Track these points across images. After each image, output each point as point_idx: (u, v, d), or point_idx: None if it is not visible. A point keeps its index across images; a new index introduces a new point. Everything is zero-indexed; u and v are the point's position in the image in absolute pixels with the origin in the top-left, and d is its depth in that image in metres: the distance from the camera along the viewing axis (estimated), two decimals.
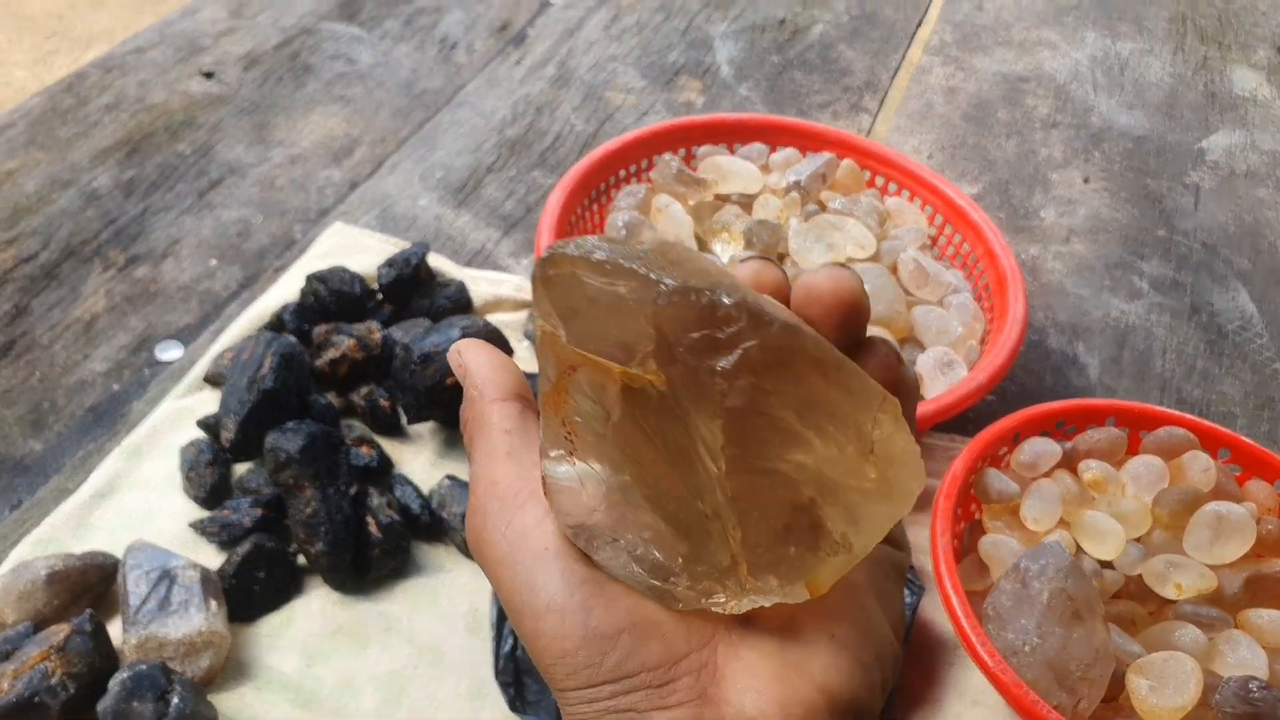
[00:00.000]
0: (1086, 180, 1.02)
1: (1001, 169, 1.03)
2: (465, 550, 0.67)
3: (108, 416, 0.74)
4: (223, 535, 0.65)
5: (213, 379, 0.75)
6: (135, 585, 0.59)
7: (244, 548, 0.63)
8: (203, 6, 1.16)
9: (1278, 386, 0.83)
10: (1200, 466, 0.66)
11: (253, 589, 0.63)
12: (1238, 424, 0.80)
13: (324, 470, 0.64)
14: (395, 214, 0.92)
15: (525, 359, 0.78)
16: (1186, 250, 0.95)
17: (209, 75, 1.06)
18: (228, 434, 0.68)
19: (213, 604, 0.60)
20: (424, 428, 0.73)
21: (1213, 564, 0.62)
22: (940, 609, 0.64)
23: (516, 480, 0.32)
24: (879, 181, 0.86)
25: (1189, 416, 0.69)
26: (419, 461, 0.72)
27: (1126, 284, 0.91)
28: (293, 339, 0.73)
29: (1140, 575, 0.62)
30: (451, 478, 0.68)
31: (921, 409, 0.66)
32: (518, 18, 1.19)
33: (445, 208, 0.93)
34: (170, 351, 0.80)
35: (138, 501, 0.68)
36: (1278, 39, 1.23)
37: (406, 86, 1.08)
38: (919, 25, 1.23)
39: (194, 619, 0.58)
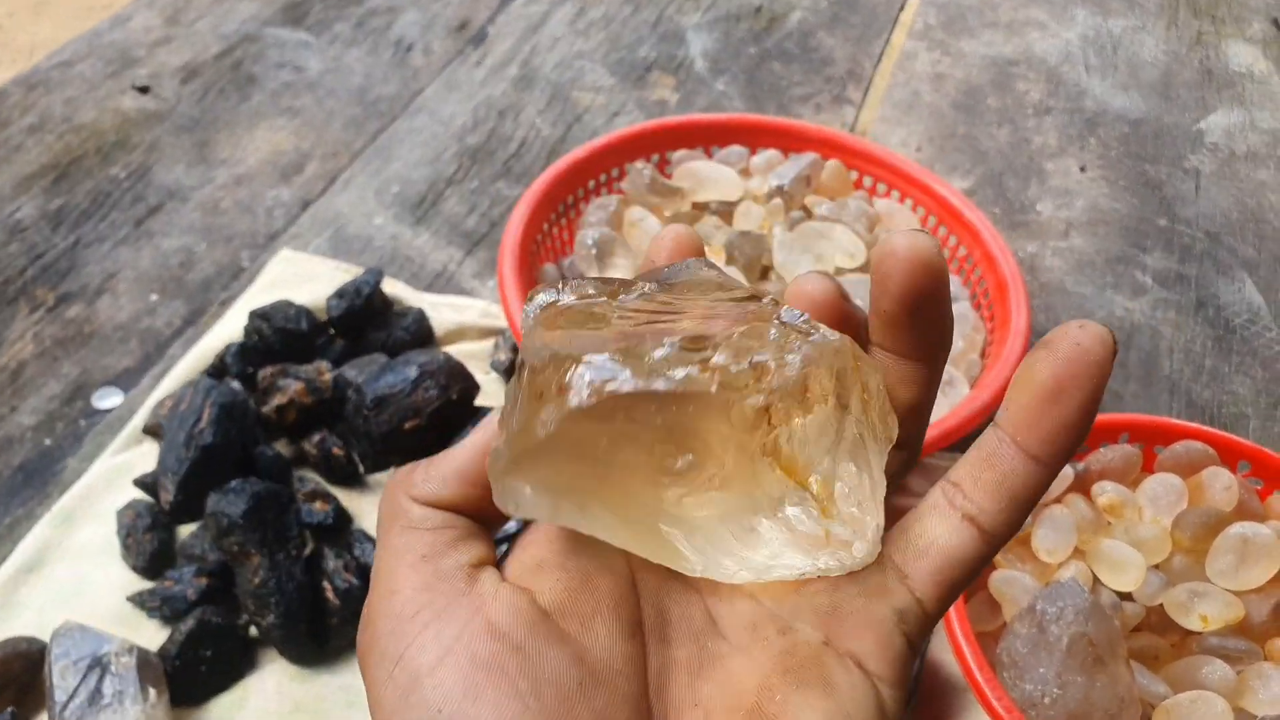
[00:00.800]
0: (1083, 169, 0.96)
1: (994, 160, 0.97)
2: None
3: (38, 476, 0.68)
4: (164, 610, 0.59)
5: (152, 430, 0.69)
6: (62, 678, 0.53)
7: (187, 624, 0.57)
8: (135, 13, 1.09)
9: None
10: (1222, 485, 0.61)
11: (199, 669, 0.57)
12: (1250, 425, 0.76)
13: (272, 534, 0.59)
14: (349, 235, 0.86)
15: (492, 392, 0.72)
16: (1189, 240, 0.90)
17: (144, 89, 0.99)
18: (167, 495, 0.62)
19: (151, 693, 0.54)
20: (384, 475, 0.68)
21: (1238, 590, 0.58)
22: (950, 648, 0.59)
23: (422, 592, 0.27)
24: (867, 182, 0.81)
25: (1205, 428, 0.64)
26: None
27: (1129, 279, 0.86)
28: (235, 386, 0.68)
29: (1161, 605, 0.58)
30: None
31: None
32: (477, 15, 1.12)
33: (402, 226, 0.87)
34: (109, 399, 0.74)
35: (70, 574, 0.62)
36: (1272, 10, 1.18)
37: (359, 94, 1.01)
38: (901, 8, 1.17)
39: (129, 713, 0.53)
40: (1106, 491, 0.62)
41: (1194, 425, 0.65)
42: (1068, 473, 0.63)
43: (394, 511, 0.29)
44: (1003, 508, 0.26)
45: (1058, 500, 0.62)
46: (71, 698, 0.53)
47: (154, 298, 0.80)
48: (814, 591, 0.27)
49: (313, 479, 0.66)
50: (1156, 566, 0.60)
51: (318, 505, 0.64)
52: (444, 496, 0.28)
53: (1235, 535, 0.58)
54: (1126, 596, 0.59)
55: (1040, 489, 0.26)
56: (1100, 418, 0.65)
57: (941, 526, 0.27)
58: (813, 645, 0.27)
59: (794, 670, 0.26)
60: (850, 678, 0.26)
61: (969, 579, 0.27)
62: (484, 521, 0.29)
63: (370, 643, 0.27)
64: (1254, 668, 0.55)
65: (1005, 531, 0.27)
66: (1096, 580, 0.59)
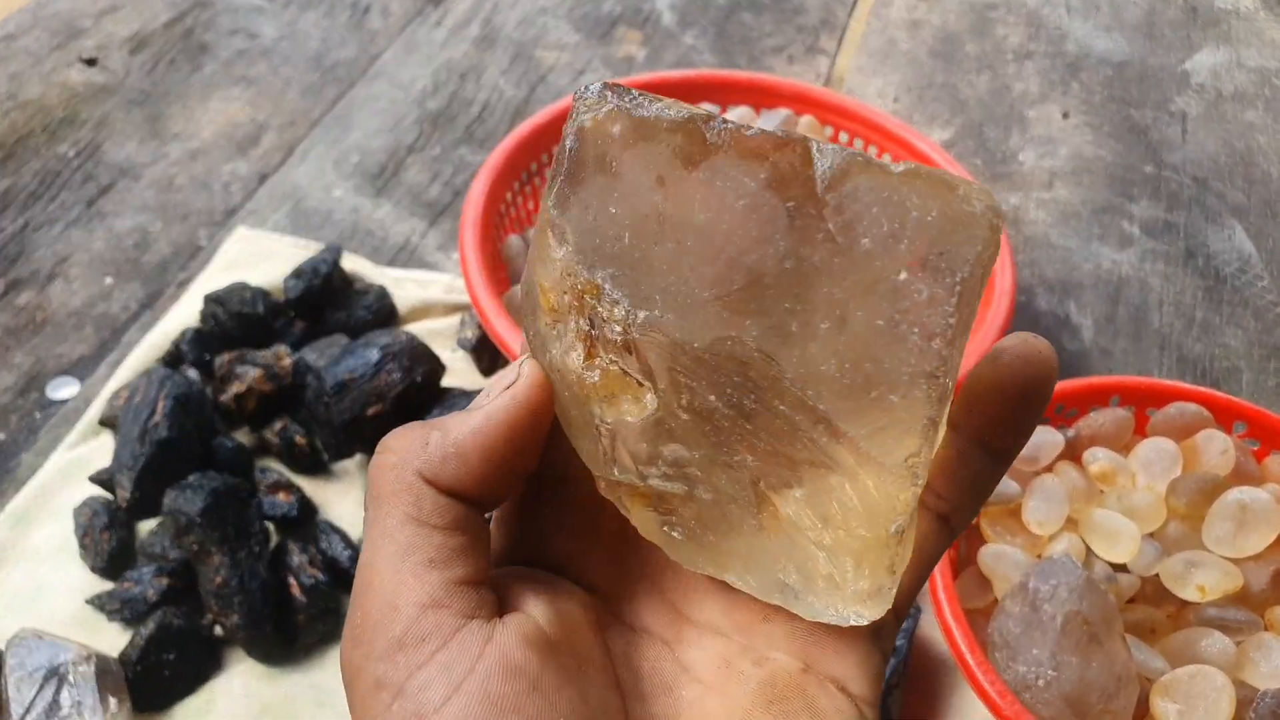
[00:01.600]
0: (1066, 115, 0.93)
1: (974, 109, 0.94)
2: None
3: None
4: (125, 612, 0.57)
5: (109, 422, 0.66)
6: (18, 690, 0.51)
7: (148, 627, 0.55)
8: None
9: None
10: (1217, 448, 0.60)
11: (162, 673, 0.55)
12: (1243, 379, 0.74)
13: (233, 531, 0.56)
14: (308, 209, 0.82)
15: (459, 371, 0.70)
16: (1177, 186, 0.87)
17: (91, 62, 0.95)
18: (124, 492, 0.59)
19: (111, 702, 0.52)
20: (350, 462, 0.65)
21: (1236, 558, 0.56)
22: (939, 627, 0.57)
23: (429, 612, 0.23)
24: (843, 137, 0.78)
25: (1199, 389, 0.62)
26: (346, 502, 0.64)
27: (1116, 230, 0.84)
28: (191, 375, 0.65)
29: (1157, 576, 0.56)
30: None
31: None
32: None
33: (363, 197, 0.83)
34: (64, 389, 0.71)
35: (26, 577, 0.60)
36: None
37: (316, 60, 0.97)
38: None
39: None
40: (1098, 459, 0.60)
41: (1187, 385, 0.63)
42: (1058, 439, 0.61)
43: (397, 490, 0.25)
44: (969, 502, 0.27)
45: (1048, 469, 0.60)
46: (28, 711, 0.51)
47: (109, 281, 0.77)
48: (784, 619, 0.26)
49: (275, 469, 0.64)
50: (1151, 535, 0.58)
51: (281, 497, 0.61)
52: (466, 484, 0.25)
53: (1233, 501, 0.56)
54: (1121, 568, 0.57)
55: (997, 481, 0.27)
56: (1090, 380, 0.63)
57: (920, 528, 0.26)
58: (792, 673, 0.26)
59: (777, 701, 0.25)
60: (835, 703, 0.25)
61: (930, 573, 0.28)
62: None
63: (362, 664, 0.23)
64: (1254, 638, 0.53)
65: (967, 523, 0.28)
66: (1089, 552, 0.57)
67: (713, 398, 0.24)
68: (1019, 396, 0.25)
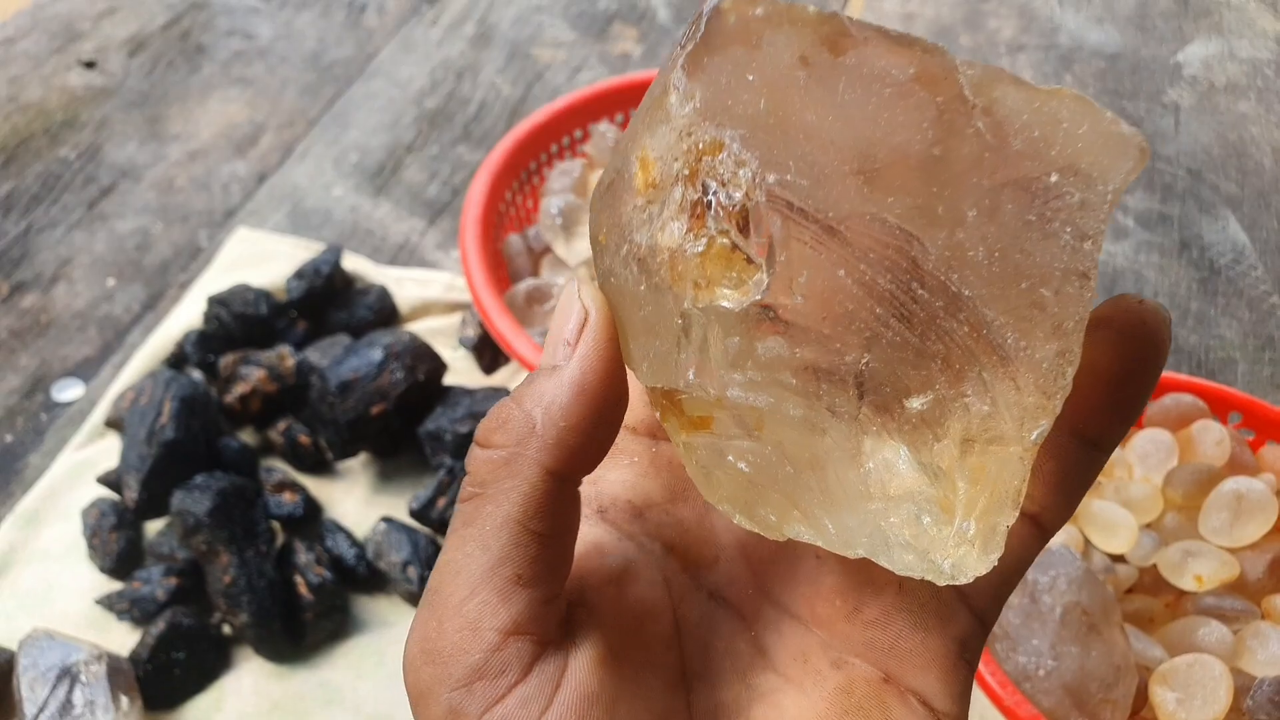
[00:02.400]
0: None
1: None
2: (410, 600, 0.60)
3: (0, 474, 0.66)
4: (134, 611, 0.58)
5: (115, 423, 0.67)
6: (31, 690, 0.52)
7: (158, 627, 0.56)
8: None
9: (1277, 323, 0.77)
10: (1213, 439, 0.60)
11: (172, 672, 0.56)
12: (1238, 370, 0.74)
13: (240, 531, 0.57)
14: (307, 208, 0.83)
15: (461, 369, 0.70)
16: (1171, 178, 0.88)
17: (90, 65, 0.95)
18: (131, 493, 0.60)
19: (123, 700, 0.53)
20: (354, 461, 0.66)
21: (1233, 547, 0.57)
22: None
23: (511, 639, 0.22)
24: None
25: (1194, 379, 0.63)
26: (351, 500, 0.64)
27: (1111, 222, 0.84)
28: (195, 377, 0.65)
29: (1155, 566, 0.57)
30: (388, 520, 0.61)
31: None
32: None
33: (362, 197, 0.84)
34: (69, 390, 0.71)
35: (36, 578, 0.60)
36: None
37: (313, 59, 0.98)
38: None
39: None
40: None
41: (1182, 376, 0.63)
42: None
43: (507, 489, 0.22)
44: (1063, 500, 0.24)
45: None
46: (41, 710, 0.51)
47: (111, 283, 0.78)
48: (867, 622, 0.25)
49: (280, 469, 0.64)
50: (1149, 526, 0.59)
51: (286, 496, 0.62)
52: (577, 463, 0.23)
53: (1228, 491, 0.57)
54: (1119, 558, 0.58)
55: (1096, 475, 0.24)
56: None
57: None
58: (871, 682, 0.24)
59: (853, 712, 0.24)
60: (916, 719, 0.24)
61: (1016, 585, 0.25)
62: None
63: (434, 686, 0.22)
64: (1251, 627, 0.54)
65: (1061, 524, 0.24)
66: (1088, 543, 0.58)
67: (842, 273, 0.21)
68: (1123, 376, 0.22)
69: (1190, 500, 0.59)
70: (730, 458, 0.23)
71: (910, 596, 0.24)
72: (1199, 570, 0.56)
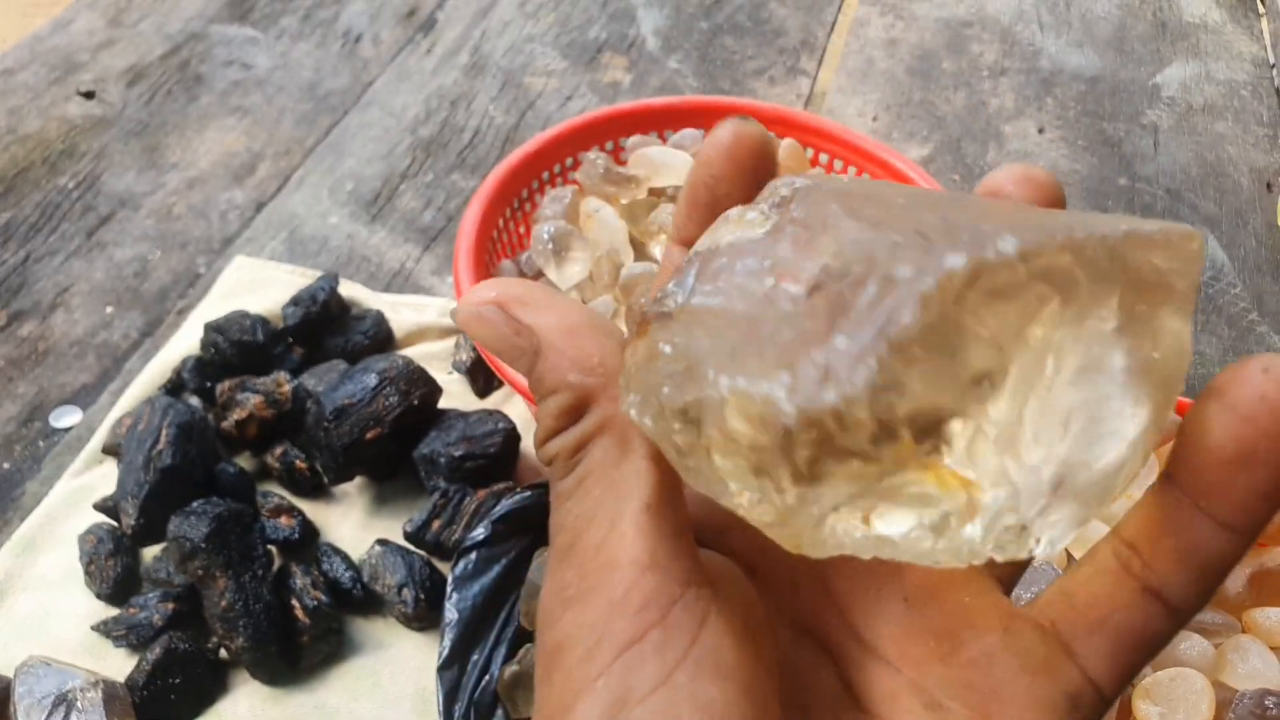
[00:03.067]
0: (1041, 130, 0.96)
1: (952, 125, 0.96)
2: (406, 622, 0.61)
3: None
4: (131, 638, 0.59)
5: (112, 450, 0.68)
6: (27, 717, 0.53)
7: (154, 652, 0.56)
8: (76, 16, 1.06)
9: (1256, 340, 0.79)
10: None
11: (169, 697, 0.56)
12: None
13: (236, 556, 0.58)
14: (304, 236, 0.84)
15: (455, 394, 0.72)
16: (1150, 198, 0.90)
17: (89, 95, 0.97)
18: (128, 519, 0.61)
19: None
20: (350, 485, 0.67)
21: None
22: None
23: (649, 571, 0.21)
24: (823, 159, 0.80)
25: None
26: (347, 524, 0.65)
27: None
28: (192, 404, 0.66)
29: None
30: (383, 542, 0.62)
31: None
32: (425, 1, 1.10)
33: (358, 224, 0.85)
34: (67, 418, 0.72)
35: (33, 605, 0.61)
36: None
37: (309, 89, 0.99)
38: None
39: None
40: None
41: None
42: None
43: (613, 414, 0.22)
44: (1192, 581, 0.21)
45: None
46: None
47: (109, 310, 0.79)
48: (964, 663, 0.23)
49: (277, 493, 0.65)
50: None
51: (283, 520, 0.63)
52: None
53: None
54: None
55: (1235, 560, 0.21)
56: None
57: (1119, 597, 0.22)
58: None
59: None
60: None
61: (1151, 658, 0.22)
62: None
63: (573, 631, 0.21)
64: (1231, 641, 0.55)
65: (1196, 607, 0.22)
66: (1070, 557, 0.59)
67: None
68: (1232, 456, 0.19)
69: None
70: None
71: (1015, 639, 0.23)
72: None
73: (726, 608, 0.22)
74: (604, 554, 0.21)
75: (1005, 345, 0.19)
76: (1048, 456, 0.19)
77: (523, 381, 0.60)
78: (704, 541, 0.25)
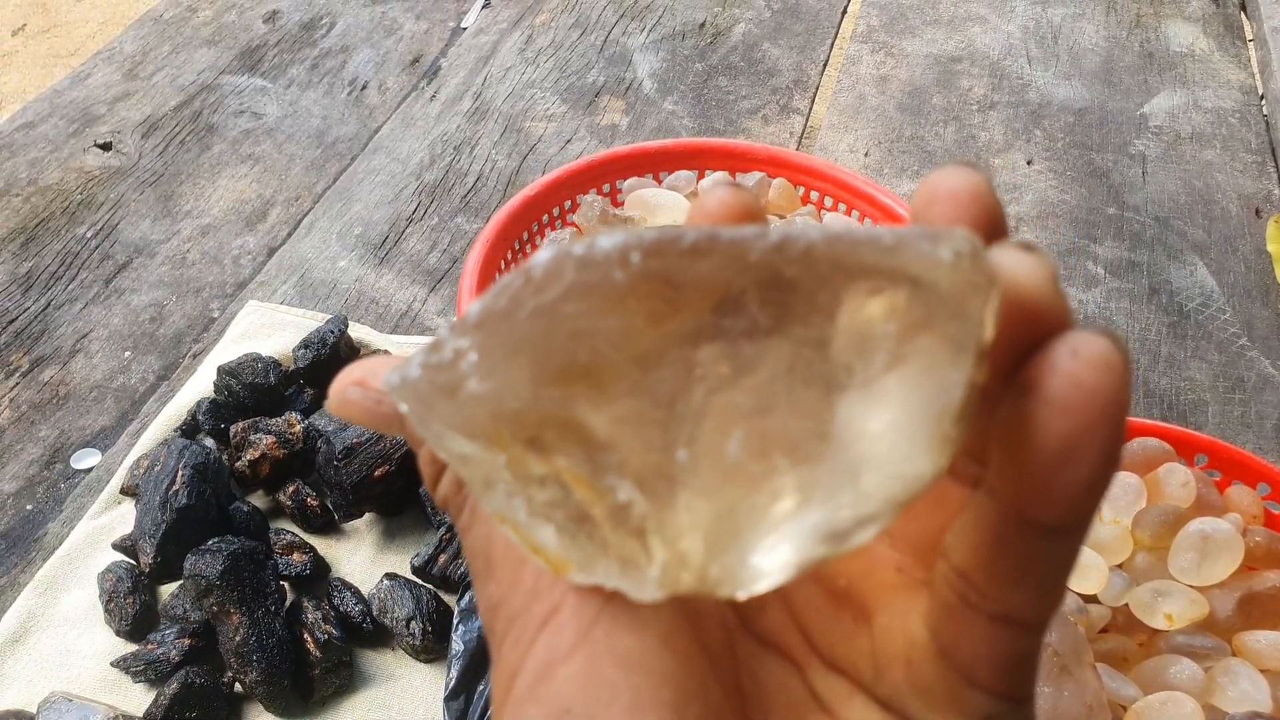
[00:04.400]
0: (1030, 162, 0.98)
1: (942, 159, 0.99)
2: (414, 654, 0.63)
3: (21, 542, 0.69)
4: (149, 673, 0.61)
5: (130, 490, 0.70)
6: None
7: (171, 687, 0.58)
8: (94, 70, 1.10)
9: (1246, 364, 0.80)
10: (1179, 480, 0.63)
11: None
12: (1209, 411, 0.77)
13: (250, 592, 0.60)
14: (314, 280, 0.87)
15: None
16: (1139, 227, 0.92)
17: (106, 146, 1.00)
18: (146, 558, 0.63)
19: None
20: (360, 521, 0.69)
21: (1202, 585, 0.59)
22: None
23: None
24: (815, 196, 0.82)
25: (1161, 424, 0.66)
26: (357, 559, 0.68)
27: (1081, 270, 0.88)
28: (207, 445, 0.69)
29: (1127, 606, 0.59)
30: (391, 577, 0.64)
31: None
32: (429, 49, 1.14)
33: (366, 268, 0.88)
34: (87, 459, 0.75)
35: (55, 643, 0.63)
36: None
37: (318, 136, 1.02)
38: (844, 12, 1.18)
39: None
40: None
41: (1149, 422, 0.66)
42: None
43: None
44: (1038, 596, 0.20)
45: None
46: None
47: (127, 355, 0.82)
48: (883, 698, 0.23)
49: (290, 530, 0.68)
50: (1120, 566, 0.61)
51: (296, 557, 0.65)
52: None
53: (1195, 532, 0.59)
54: (1091, 599, 0.60)
55: (1075, 556, 0.20)
56: None
57: (976, 633, 0.21)
58: None
59: None
60: None
61: (1037, 664, 0.21)
62: None
63: (511, 620, 0.23)
64: (1221, 664, 0.55)
65: (1050, 612, 0.20)
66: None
67: None
68: (1054, 455, 0.18)
69: (1159, 541, 0.61)
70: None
71: (917, 674, 0.22)
72: (1169, 609, 0.58)
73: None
74: (511, 557, 0.23)
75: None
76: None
77: None
78: None
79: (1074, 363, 0.17)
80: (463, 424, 0.20)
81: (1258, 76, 1.07)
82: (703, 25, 1.16)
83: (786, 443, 0.19)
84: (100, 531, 0.69)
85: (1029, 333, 0.19)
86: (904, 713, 0.22)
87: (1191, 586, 0.58)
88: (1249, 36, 1.13)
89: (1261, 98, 1.04)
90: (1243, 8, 1.16)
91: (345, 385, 0.26)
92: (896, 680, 0.22)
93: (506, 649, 0.23)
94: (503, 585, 0.23)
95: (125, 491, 0.71)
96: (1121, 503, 0.63)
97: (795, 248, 0.19)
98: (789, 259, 0.19)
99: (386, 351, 0.77)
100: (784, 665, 0.24)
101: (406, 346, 0.79)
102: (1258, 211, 0.93)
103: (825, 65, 1.10)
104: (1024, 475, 0.18)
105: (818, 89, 1.07)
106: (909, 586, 0.23)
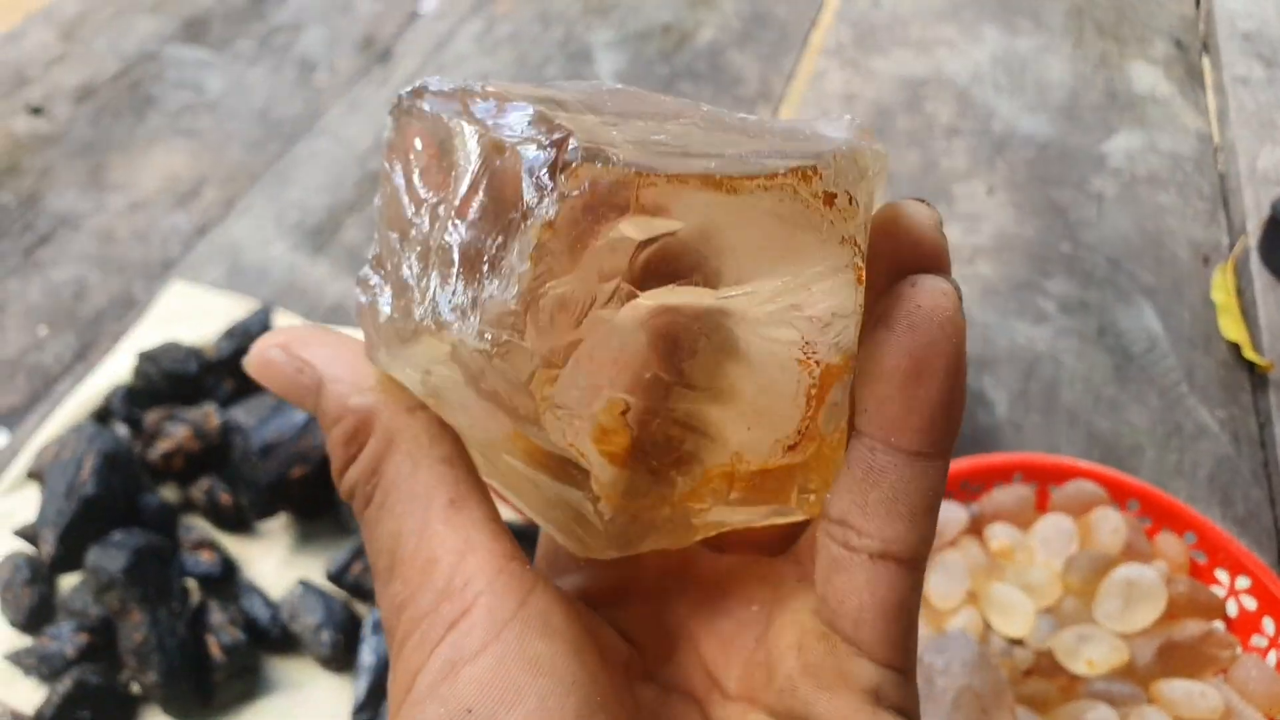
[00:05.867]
0: (990, 192, 0.97)
1: (904, 185, 0.97)
2: (322, 663, 0.60)
3: None
4: (42, 668, 0.58)
5: (37, 474, 0.67)
6: None
7: (64, 685, 0.56)
8: (29, 30, 1.06)
9: (1184, 412, 0.80)
10: (1110, 526, 0.62)
11: None
12: (1146, 456, 0.77)
13: (154, 590, 0.57)
14: (245, 265, 0.84)
15: None
16: (1091, 266, 0.91)
17: (37, 111, 0.96)
18: (47, 547, 0.60)
19: None
20: (274, 522, 0.66)
21: (1125, 632, 0.59)
22: None
23: (467, 554, 0.22)
24: None
25: (1096, 468, 0.65)
26: (269, 562, 0.65)
27: (1033, 307, 0.87)
28: (119, 433, 0.66)
29: (1051, 649, 0.59)
30: (304, 584, 0.61)
31: None
32: (383, 31, 1.11)
33: (300, 255, 0.85)
34: None
35: None
36: (1175, 31, 1.20)
37: (261, 115, 0.99)
38: (813, 25, 1.17)
39: None
40: (998, 536, 0.63)
41: (1084, 464, 0.66)
42: (962, 516, 0.63)
43: (399, 430, 0.23)
44: (911, 526, 0.22)
45: (952, 544, 0.63)
46: None
47: (43, 331, 0.78)
48: (780, 691, 0.23)
49: (199, 526, 0.65)
50: (1048, 610, 0.61)
51: (204, 555, 0.62)
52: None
53: (1120, 578, 0.59)
54: (1018, 641, 0.59)
55: (940, 484, 0.22)
56: (994, 457, 0.66)
57: (859, 579, 0.22)
58: None
59: None
60: None
61: (916, 616, 0.23)
62: None
63: (411, 628, 0.22)
64: (1137, 711, 0.56)
65: (925, 549, 0.22)
66: (988, 626, 0.60)
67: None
68: (906, 374, 0.21)
69: (1087, 586, 0.61)
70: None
71: (806, 656, 0.23)
72: (1091, 655, 0.58)
73: (553, 588, 0.23)
74: (422, 555, 0.22)
75: None
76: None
77: None
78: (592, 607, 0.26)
79: (914, 290, 0.21)
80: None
81: (1215, 124, 1.07)
82: (668, 28, 1.14)
83: None
84: (2, 516, 0.65)
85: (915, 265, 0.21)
86: (795, 714, 0.23)
87: (1115, 633, 0.58)
88: (1209, 83, 1.13)
89: (1216, 146, 1.05)
90: (1205, 53, 1.17)
91: (267, 346, 0.25)
92: (789, 670, 0.23)
93: (409, 650, 0.22)
94: (410, 585, 0.22)
95: (32, 475, 0.67)
96: (1055, 545, 0.62)
97: None
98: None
99: None
100: (686, 703, 0.25)
101: None
102: (1206, 259, 0.93)
103: (791, 77, 1.09)
104: (885, 401, 0.21)
105: (782, 101, 1.06)
106: (807, 588, 0.24)
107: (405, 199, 0.23)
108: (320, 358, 0.24)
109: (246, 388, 0.71)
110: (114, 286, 0.82)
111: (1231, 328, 0.85)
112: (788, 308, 0.21)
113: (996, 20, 1.20)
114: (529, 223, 0.19)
